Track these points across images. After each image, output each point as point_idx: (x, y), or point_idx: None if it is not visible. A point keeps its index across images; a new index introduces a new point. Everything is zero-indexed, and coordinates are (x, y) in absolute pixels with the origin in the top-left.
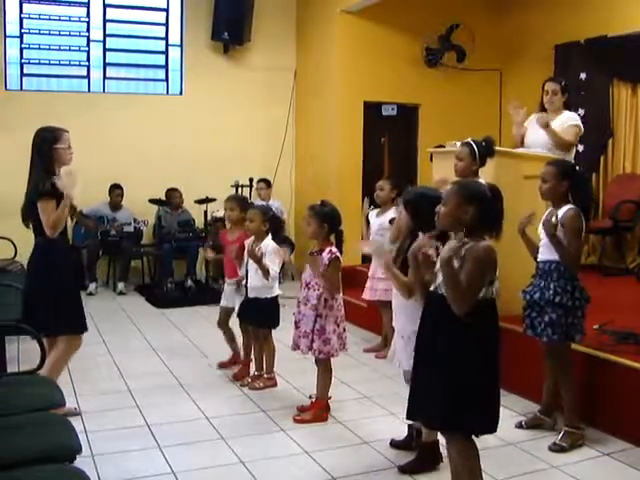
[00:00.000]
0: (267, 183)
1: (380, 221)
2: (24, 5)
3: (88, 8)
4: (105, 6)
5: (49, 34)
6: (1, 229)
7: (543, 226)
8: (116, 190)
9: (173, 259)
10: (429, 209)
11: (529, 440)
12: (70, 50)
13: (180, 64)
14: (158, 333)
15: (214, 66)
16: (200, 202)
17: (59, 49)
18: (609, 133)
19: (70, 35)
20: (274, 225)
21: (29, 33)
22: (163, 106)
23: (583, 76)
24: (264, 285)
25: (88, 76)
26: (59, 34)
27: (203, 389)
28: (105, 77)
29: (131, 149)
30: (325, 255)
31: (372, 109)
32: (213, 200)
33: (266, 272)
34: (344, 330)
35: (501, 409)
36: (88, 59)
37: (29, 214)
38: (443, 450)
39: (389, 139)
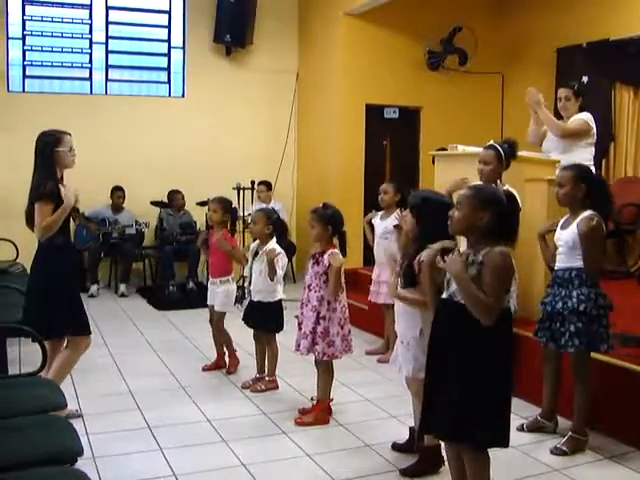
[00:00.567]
0: (267, 186)
1: (384, 224)
2: (27, 7)
3: (91, 10)
4: (108, 8)
5: (52, 36)
6: (3, 231)
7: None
8: (118, 192)
9: (175, 261)
10: (434, 213)
11: (530, 443)
12: (72, 52)
13: (182, 66)
14: (159, 335)
15: (216, 68)
16: (202, 204)
17: (62, 51)
18: (611, 137)
19: (73, 37)
20: (278, 229)
21: (32, 35)
22: (165, 108)
23: (585, 79)
24: (267, 288)
25: (90, 78)
26: (62, 36)
27: (204, 391)
28: (107, 79)
29: (133, 151)
30: (326, 257)
31: (374, 112)
32: None
33: (274, 272)
34: (349, 332)
35: None
36: (90, 61)
37: (32, 216)
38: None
39: (391, 142)
